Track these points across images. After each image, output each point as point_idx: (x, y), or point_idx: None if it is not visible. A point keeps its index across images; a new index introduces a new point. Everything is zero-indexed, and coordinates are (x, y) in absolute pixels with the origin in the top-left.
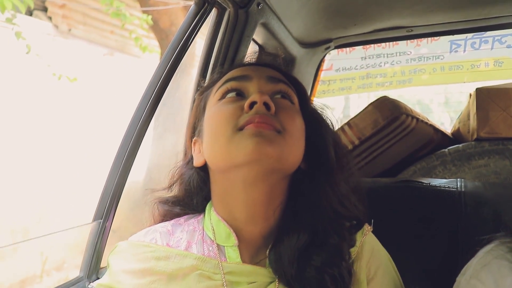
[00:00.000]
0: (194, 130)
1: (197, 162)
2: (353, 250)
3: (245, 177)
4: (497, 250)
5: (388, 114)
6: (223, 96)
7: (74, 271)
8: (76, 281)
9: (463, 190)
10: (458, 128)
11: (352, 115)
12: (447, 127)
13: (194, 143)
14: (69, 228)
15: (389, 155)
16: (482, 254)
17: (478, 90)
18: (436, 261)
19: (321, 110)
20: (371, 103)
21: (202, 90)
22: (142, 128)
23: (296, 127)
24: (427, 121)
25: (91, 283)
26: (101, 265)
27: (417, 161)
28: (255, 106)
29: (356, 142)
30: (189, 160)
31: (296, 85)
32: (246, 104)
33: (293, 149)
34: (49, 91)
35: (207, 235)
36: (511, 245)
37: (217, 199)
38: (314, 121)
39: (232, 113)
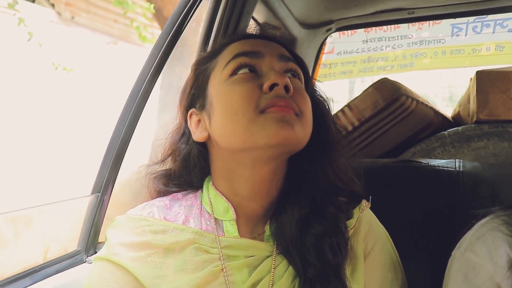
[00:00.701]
0: (192, 101)
1: (199, 137)
2: (350, 224)
3: (259, 157)
4: (491, 223)
5: (388, 96)
6: (234, 72)
7: None
8: (74, 254)
9: (461, 170)
10: (458, 111)
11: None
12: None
13: (191, 115)
14: (66, 199)
15: (389, 137)
16: (477, 227)
17: (479, 73)
18: (433, 238)
19: (320, 90)
20: (371, 85)
21: (201, 60)
22: (140, 104)
23: (309, 108)
24: (427, 103)
25: (88, 257)
26: (99, 240)
27: (417, 143)
28: (276, 88)
29: (356, 123)
30: (183, 133)
31: (301, 64)
32: (266, 85)
33: (308, 131)
34: (48, 80)
35: (205, 209)
36: (505, 218)
37: (218, 175)
38: (316, 100)
39: (251, 93)
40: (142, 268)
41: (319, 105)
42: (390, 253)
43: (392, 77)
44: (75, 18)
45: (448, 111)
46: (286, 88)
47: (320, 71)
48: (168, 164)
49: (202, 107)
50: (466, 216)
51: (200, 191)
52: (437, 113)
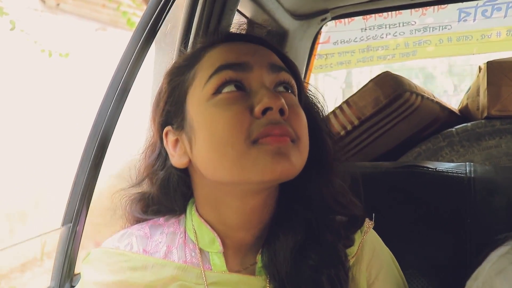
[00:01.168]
0: (167, 119)
1: (179, 162)
2: (352, 251)
3: (250, 189)
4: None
5: (390, 92)
6: (217, 90)
7: None
8: None
9: (472, 175)
10: (467, 104)
11: (354, 82)
12: (451, 96)
13: (167, 133)
14: (35, 236)
15: (391, 135)
16: (496, 258)
17: (489, 64)
18: (442, 255)
19: (313, 96)
20: (372, 80)
21: (176, 69)
22: (112, 119)
23: (305, 129)
24: (433, 98)
25: None
26: (75, 271)
27: (422, 142)
28: (269, 113)
29: (356, 122)
30: (159, 153)
31: (293, 70)
32: (258, 109)
33: (305, 156)
34: (40, 68)
35: (190, 237)
36: None
37: (202, 202)
38: (311, 111)
39: (241, 119)
40: None
41: (314, 117)
42: (396, 278)
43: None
44: (61, 5)
45: (447, 84)
46: (281, 111)
47: (316, 62)
48: (144, 186)
49: (181, 128)
50: (480, 231)
51: (183, 216)
52: (444, 108)
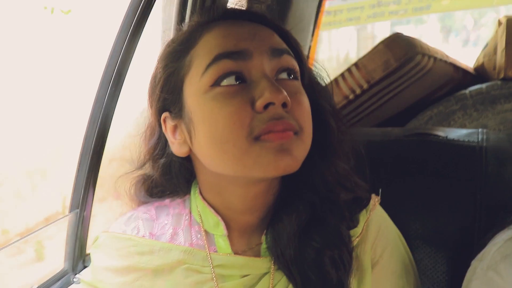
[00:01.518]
0: (165, 105)
1: (179, 151)
2: (356, 232)
3: (253, 180)
4: None
5: (401, 55)
6: (216, 82)
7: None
8: (61, 275)
9: (484, 144)
10: (483, 63)
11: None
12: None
13: (165, 119)
14: (44, 226)
15: (402, 98)
16: (502, 241)
17: (510, 21)
18: (451, 227)
19: (318, 75)
20: (382, 41)
21: (170, 54)
22: (110, 103)
23: (309, 118)
24: (447, 59)
25: (77, 275)
26: (87, 252)
27: (434, 105)
28: (272, 107)
29: (365, 86)
30: (158, 137)
31: (296, 49)
32: (260, 104)
33: (308, 145)
34: (44, 26)
35: (195, 219)
36: None
37: (206, 188)
38: (313, 90)
39: (242, 115)
40: None
41: (318, 97)
42: (402, 256)
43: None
44: None
45: (467, 18)
46: (284, 104)
47: (324, 19)
48: (148, 168)
49: (179, 117)
50: (491, 206)
51: (188, 196)
52: (458, 69)
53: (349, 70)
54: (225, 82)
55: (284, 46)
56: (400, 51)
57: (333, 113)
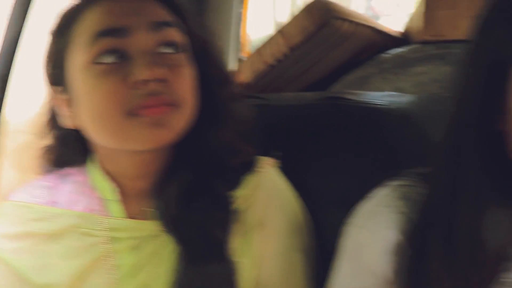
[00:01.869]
0: (54, 80)
1: (67, 124)
2: (242, 194)
3: (136, 152)
4: (387, 197)
5: (319, 20)
6: (96, 60)
7: None
8: None
9: (391, 107)
10: (409, 27)
11: None
12: None
13: (56, 94)
14: None
15: (325, 63)
16: (372, 199)
17: None
18: (360, 192)
19: (206, 40)
20: (303, 7)
21: (56, 29)
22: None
23: (191, 90)
24: (369, 24)
25: None
26: None
27: (355, 69)
28: (149, 83)
29: (287, 51)
30: (53, 111)
31: (182, 14)
32: (134, 81)
33: (189, 117)
34: None
35: (93, 186)
36: (404, 190)
37: (101, 157)
38: (202, 59)
39: (118, 92)
40: (24, 259)
41: (207, 66)
42: (293, 216)
43: None
44: None
45: None
46: (162, 78)
47: None
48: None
49: (66, 92)
50: (391, 165)
51: (87, 165)
52: (380, 32)
53: (272, 37)
54: (104, 60)
55: (167, 18)
56: (318, 16)
57: (224, 82)
